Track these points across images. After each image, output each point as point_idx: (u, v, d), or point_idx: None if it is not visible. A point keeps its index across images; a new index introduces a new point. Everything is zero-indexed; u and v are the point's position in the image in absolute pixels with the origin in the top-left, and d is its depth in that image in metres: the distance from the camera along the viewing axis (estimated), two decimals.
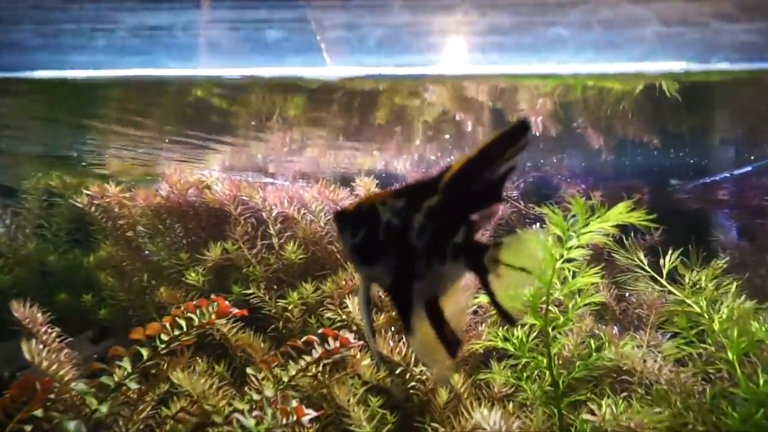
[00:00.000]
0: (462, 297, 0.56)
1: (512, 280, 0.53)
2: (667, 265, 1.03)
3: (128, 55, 0.74)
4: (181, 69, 0.81)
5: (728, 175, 1.21)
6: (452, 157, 1.22)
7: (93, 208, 1.25)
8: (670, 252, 1.03)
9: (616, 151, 1.23)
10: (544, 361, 0.96)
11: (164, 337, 0.96)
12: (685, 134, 1.17)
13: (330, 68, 0.75)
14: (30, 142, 1.20)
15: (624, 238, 1.13)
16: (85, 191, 1.20)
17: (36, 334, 1.00)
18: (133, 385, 0.91)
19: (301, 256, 1.18)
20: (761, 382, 0.84)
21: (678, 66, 0.79)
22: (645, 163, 1.33)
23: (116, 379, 0.93)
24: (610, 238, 1.20)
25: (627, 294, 1.21)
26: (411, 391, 1.05)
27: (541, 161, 1.46)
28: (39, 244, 1.34)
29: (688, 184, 1.32)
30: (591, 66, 0.83)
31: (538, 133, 1.15)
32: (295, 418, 0.87)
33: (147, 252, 1.30)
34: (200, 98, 0.96)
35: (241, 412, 0.89)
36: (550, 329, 0.95)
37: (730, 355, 0.88)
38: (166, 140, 1.11)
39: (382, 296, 0.91)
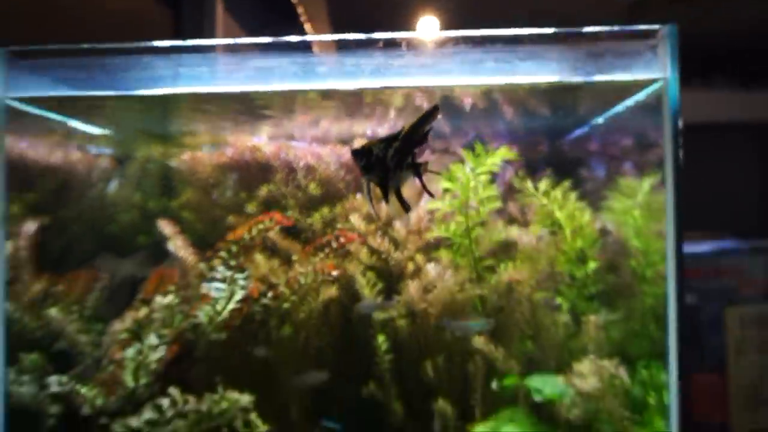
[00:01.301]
0: (410, 188, 1.25)
1: (432, 178, 1.20)
2: (541, 188, 1.72)
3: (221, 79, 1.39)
4: (254, 86, 1.46)
5: (583, 132, 1.90)
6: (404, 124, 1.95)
7: (181, 167, 1.90)
8: (544, 178, 1.73)
9: (523, 119, 1.91)
10: (467, 242, 1.67)
11: (246, 236, 1.64)
12: (564, 109, 1.84)
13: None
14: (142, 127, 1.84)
15: (529, 173, 1.80)
16: (178, 156, 1.86)
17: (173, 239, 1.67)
18: (233, 262, 1.60)
19: (319, 191, 1.87)
20: (578, 243, 1.56)
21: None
22: (544, 125, 2.02)
23: (220, 261, 1.62)
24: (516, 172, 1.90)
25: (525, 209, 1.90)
26: (392, 267, 1.76)
27: (477, 127, 2.13)
28: (142, 195, 2.01)
29: (565, 139, 2.02)
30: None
31: (469, 110, 1.80)
32: (327, 273, 1.57)
33: (215, 195, 1.97)
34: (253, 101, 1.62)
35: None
36: (469, 223, 1.66)
37: (566, 231, 1.60)
38: (232, 120, 1.76)
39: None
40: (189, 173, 1.92)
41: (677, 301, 1.19)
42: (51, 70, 1.36)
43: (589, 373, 1.30)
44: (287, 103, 1.72)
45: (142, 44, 1.24)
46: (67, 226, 1.84)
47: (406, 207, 1.27)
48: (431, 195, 1.21)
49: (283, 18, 4.03)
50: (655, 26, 1.14)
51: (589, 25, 1.16)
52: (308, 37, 1.25)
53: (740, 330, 2.15)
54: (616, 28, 1.17)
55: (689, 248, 2.39)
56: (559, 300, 1.56)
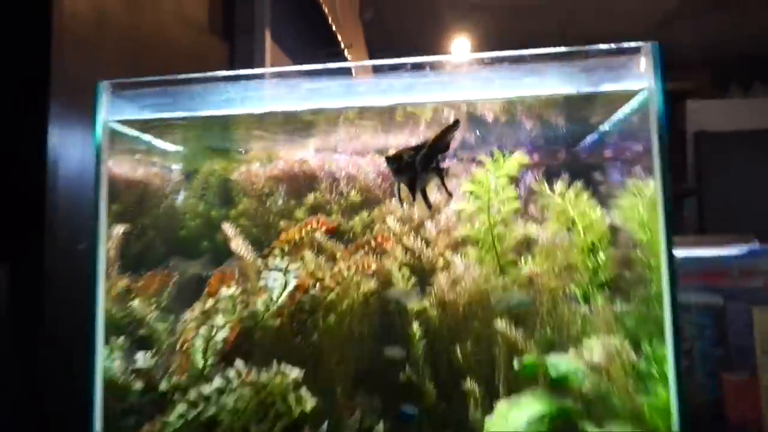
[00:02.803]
0: (433, 189, 1.47)
1: (453, 180, 1.43)
2: (558, 190, 1.91)
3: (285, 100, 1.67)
4: (300, 106, 1.73)
5: (596, 139, 2.08)
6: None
7: (239, 180, 2.19)
8: (559, 182, 1.92)
9: (543, 130, 2.11)
10: (490, 239, 1.87)
11: (297, 236, 1.90)
12: (576, 119, 2.04)
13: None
14: (207, 144, 2.15)
15: (549, 179, 2.00)
16: (237, 170, 2.15)
17: (233, 240, 1.94)
18: (286, 258, 1.85)
19: (359, 198, 2.11)
20: (588, 240, 1.74)
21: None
22: (561, 136, 2.21)
23: (276, 259, 1.88)
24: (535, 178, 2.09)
25: (545, 211, 2.08)
26: (424, 263, 1.97)
27: (501, 139, 2.34)
28: (205, 205, 2.31)
29: (580, 146, 2.20)
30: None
31: (493, 123, 2.01)
32: (367, 269, 1.80)
33: (268, 203, 2.25)
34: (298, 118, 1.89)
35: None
36: (491, 221, 1.86)
37: (579, 226, 1.78)
38: (282, 138, 2.05)
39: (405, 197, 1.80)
40: (245, 185, 2.21)
41: (670, 284, 1.36)
42: (137, 98, 1.67)
43: (598, 349, 1.48)
44: (330, 121, 1.99)
45: (214, 74, 1.53)
46: (144, 232, 2.15)
47: (428, 204, 1.50)
48: (449, 194, 1.44)
49: (323, 44, 4.37)
50: (640, 43, 1.34)
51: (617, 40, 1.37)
52: (348, 64, 1.52)
53: None
54: (612, 46, 1.37)
55: (719, 251, 2.53)
56: (573, 289, 1.74)
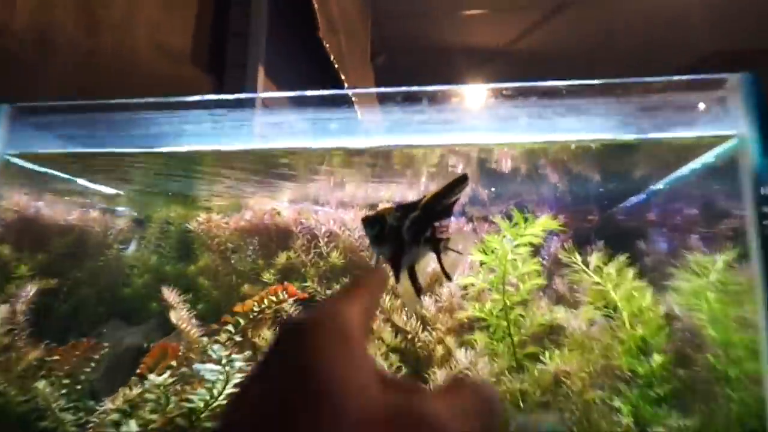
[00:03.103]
0: (425, 267, 1.06)
1: (453, 257, 1.01)
2: (593, 263, 1.49)
3: (253, 137, 1.29)
4: (272, 144, 1.35)
5: (641, 200, 1.68)
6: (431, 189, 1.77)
7: (199, 231, 1.80)
8: (595, 252, 1.50)
9: (570, 185, 1.72)
10: (504, 323, 1.44)
11: (255, 310, 1.48)
12: (617, 174, 1.65)
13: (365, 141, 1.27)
14: (159, 188, 1.77)
15: (577, 246, 1.59)
16: (196, 219, 1.75)
17: (176, 309, 1.53)
18: (238, 338, 1.43)
19: (341, 261, 1.70)
20: (639, 331, 1.30)
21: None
22: (592, 193, 1.81)
23: (225, 336, 1.45)
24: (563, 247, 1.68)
25: (575, 286, 1.66)
26: (419, 350, 1.53)
27: (520, 193, 1.95)
28: (158, 258, 1.91)
29: (620, 207, 1.79)
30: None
31: (507, 170, 1.63)
32: None
33: (233, 261, 1.84)
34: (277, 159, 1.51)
35: None
36: (507, 302, 1.43)
37: (624, 314, 1.35)
38: (251, 183, 1.66)
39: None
40: (206, 237, 1.81)
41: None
42: (60, 128, 1.30)
43: None
44: (310, 163, 1.61)
45: (145, 100, 1.17)
46: (74, 290, 1.75)
47: (418, 288, 1.06)
48: (449, 278, 1.01)
49: (326, 86, 4.08)
50: (724, 75, 0.95)
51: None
52: (322, 92, 1.14)
53: None
54: (675, 78, 0.98)
55: None
56: (617, 401, 1.28)
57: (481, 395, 0.31)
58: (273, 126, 1.50)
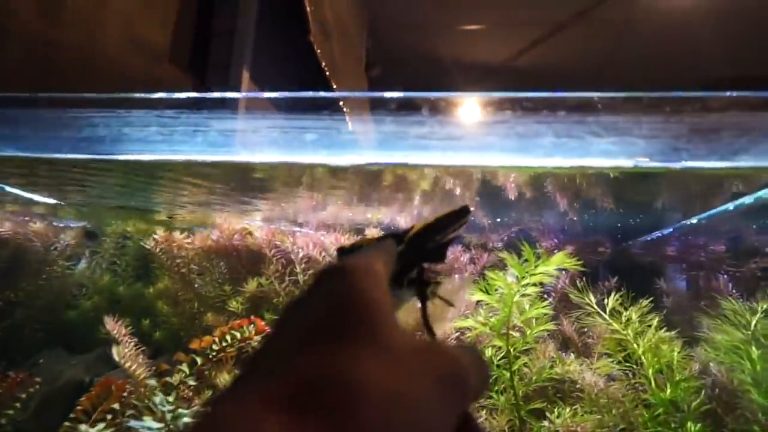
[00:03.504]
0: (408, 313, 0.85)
1: (441, 308, 0.79)
2: (609, 305, 1.29)
3: (213, 146, 1.07)
4: (246, 156, 1.14)
5: (665, 233, 1.49)
6: (422, 216, 1.52)
7: (158, 249, 1.57)
8: (612, 293, 1.30)
9: (582, 214, 1.52)
10: (507, 375, 1.23)
11: (215, 347, 1.25)
12: (637, 202, 1.45)
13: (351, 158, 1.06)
14: (113, 198, 1.55)
15: (587, 282, 1.39)
16: (153, 236, 1.53)
17: (120, 343, 1.30)
18: (191, 382, 1.20)
19: None
20: (668, 391, 1.09)
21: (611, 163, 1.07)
22: (606, 224, 1.61)
23: (178, 378, 1.22)
24: (571, 282, 1.49)
25: (585, 329, 1.46)
26: None
27: (522, 219, 1.74)
28: (112, 278, 1.67)
29: (639, 240, 1.60)
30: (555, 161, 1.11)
31: (513, 197, 1.43)
32: None
33: (197, 285, 1.61)
34: (252, 172, 1.30)
35: None
36: (512, 350, 1.22)
37: (648, 370, 1.14)
38: (220, 199, 1.44)
39: None
40: (167, 256, 1.59)
41: None
42: None
43: None
44: (289, 177, 1.39)
45: (97, 96, 0.95)
46: (8, 312, 1.51)
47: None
48: (432, 334, 0.78)
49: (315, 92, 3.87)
50: None
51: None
52: (305, 94, 0.93)
53: None
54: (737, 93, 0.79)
55: None
56: None
57: (478, 357, 0.32)
58: (249, 133, 1.28)
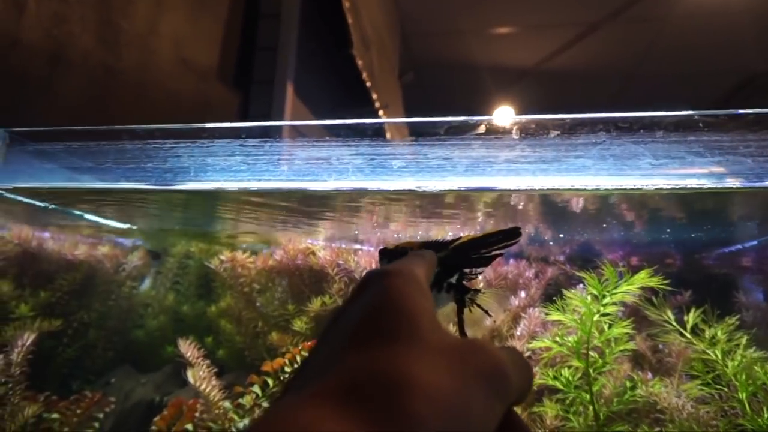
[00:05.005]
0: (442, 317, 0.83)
1: (477, 315, 0.77)
2: (690, 321, 1.24)
3: (302, 175, 1.08)
4: (332, 184, 1.13)
5: (744, 246, 1.43)
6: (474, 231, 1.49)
7: (222, 269, 1.58)
8: (693, 309, 1.25)
9: (649, 225, 1.47)
10: (587, 396, 1.19)
11: (287, 369, 1.25)
12: (708, 212, 1.40)
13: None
14: (180, 222, 1.57)
15: (657, 296, 1.34)
16: (218, 256, 1.54)
17: (194, 365, 1.31)
18: (265, 405, 1.20)
19: None
20: (765, 416, 1.04)
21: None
22: (675, 235, 1.56)
23: (250, 400, 1.23)
24: (645, 299, 1.44)
25: (660, 345, 1.41)
26: None
27: (585, 231, 1.70)
28: (175, 297, 1.70)
29: (713, 252, 1.54)
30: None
31: (578, 210, 1.39)
32: None
33: (259, 304, 1.62)
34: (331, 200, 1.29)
35: None
36: (591, 370, 1.19)
37: (741, 394, 1.09)
38: (281, 219, 1.45)
39: None
40: (229, 275, 1.60)
41: None
42: (64, 157, 1.10)
43: None
44: (350, 200, 1.39)
45: (158, 127, 0.96)
46: (80, 333, 1.54)
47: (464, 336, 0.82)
48: (464, 335, 0.78)
49: (356, 103, 3.89)
50: None
51: None
52: (364, 121, 0.92)
53: None
54: None
55: None
56: None
57: (521, 357, 0.32)
58: (311, 162, 1.28)
